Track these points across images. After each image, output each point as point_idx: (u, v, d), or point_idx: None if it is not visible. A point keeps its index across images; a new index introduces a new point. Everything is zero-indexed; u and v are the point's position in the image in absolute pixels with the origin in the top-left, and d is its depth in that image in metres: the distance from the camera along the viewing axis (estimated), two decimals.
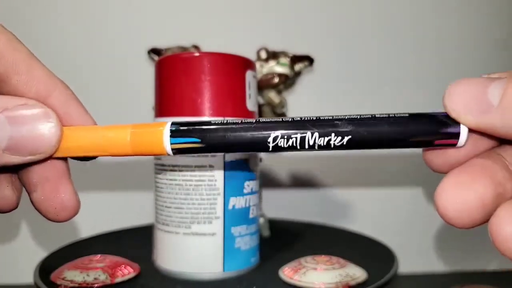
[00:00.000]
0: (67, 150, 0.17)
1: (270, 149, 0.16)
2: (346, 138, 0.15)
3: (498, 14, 0.46)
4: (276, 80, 0.34)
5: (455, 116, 0.14)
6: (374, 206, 0.47)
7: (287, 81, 0.35)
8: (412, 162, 0.44)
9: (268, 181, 0.45)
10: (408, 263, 0.38)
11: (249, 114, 0.27)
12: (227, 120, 0.16)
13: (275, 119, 0.16)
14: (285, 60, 0.34)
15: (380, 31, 0.45)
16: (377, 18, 0.45)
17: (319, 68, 0.40)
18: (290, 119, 0.16)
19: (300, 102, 0.40)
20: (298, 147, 0.15)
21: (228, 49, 0.27)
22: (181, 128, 0.16)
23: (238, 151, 0.16)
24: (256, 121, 0.16)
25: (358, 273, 0.26)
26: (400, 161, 0.46)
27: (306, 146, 0.15)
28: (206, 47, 0.37)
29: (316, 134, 0.15)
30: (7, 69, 0.16)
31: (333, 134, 0.15)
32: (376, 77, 0.46)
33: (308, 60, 0.36)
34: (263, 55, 0.35)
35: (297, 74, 0.36)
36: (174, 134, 0.16)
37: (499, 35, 0.46)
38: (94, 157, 0.18)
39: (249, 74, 0.27)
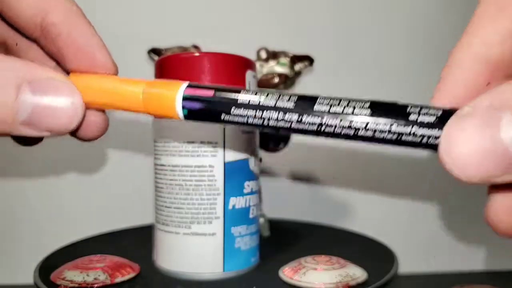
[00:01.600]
0: None
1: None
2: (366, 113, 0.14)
3: None
4: (276, 80, 0.34)
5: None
6: (374, 206, 0.47)
7: (287, 81, 0.35)
8: (412, 162, 0.44)
9: (268, 181, 0.45)
10: (408, 263, 0.38)
11: None
12: (247, 91, 0.15)
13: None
14: (285, 60, 0.34)
15: (380, 31, 0.45)
16: (377, 18, 0.45)
17: (319, 68, 0.40)
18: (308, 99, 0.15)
19: None
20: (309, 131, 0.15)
21: (228, 49, 0.27)
22: (194, 95, 0.16)
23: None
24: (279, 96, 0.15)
25: (358, 273, 0.26)
26: (400, 161, 0.46)
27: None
28: (206, 47, 0.37)
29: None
30: None
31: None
32: (376, 77, 0.46)
33: (308, 60, 0.36)
34: (263, 55, 0.35)
35: (297, 74, 0.36)
36: (186, 99, 0.16)
37: None
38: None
39: (249, 74, 0.27)
